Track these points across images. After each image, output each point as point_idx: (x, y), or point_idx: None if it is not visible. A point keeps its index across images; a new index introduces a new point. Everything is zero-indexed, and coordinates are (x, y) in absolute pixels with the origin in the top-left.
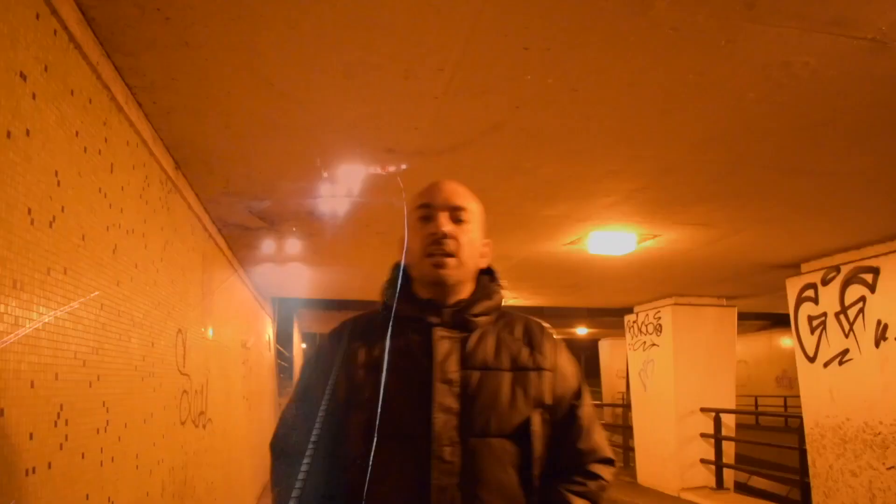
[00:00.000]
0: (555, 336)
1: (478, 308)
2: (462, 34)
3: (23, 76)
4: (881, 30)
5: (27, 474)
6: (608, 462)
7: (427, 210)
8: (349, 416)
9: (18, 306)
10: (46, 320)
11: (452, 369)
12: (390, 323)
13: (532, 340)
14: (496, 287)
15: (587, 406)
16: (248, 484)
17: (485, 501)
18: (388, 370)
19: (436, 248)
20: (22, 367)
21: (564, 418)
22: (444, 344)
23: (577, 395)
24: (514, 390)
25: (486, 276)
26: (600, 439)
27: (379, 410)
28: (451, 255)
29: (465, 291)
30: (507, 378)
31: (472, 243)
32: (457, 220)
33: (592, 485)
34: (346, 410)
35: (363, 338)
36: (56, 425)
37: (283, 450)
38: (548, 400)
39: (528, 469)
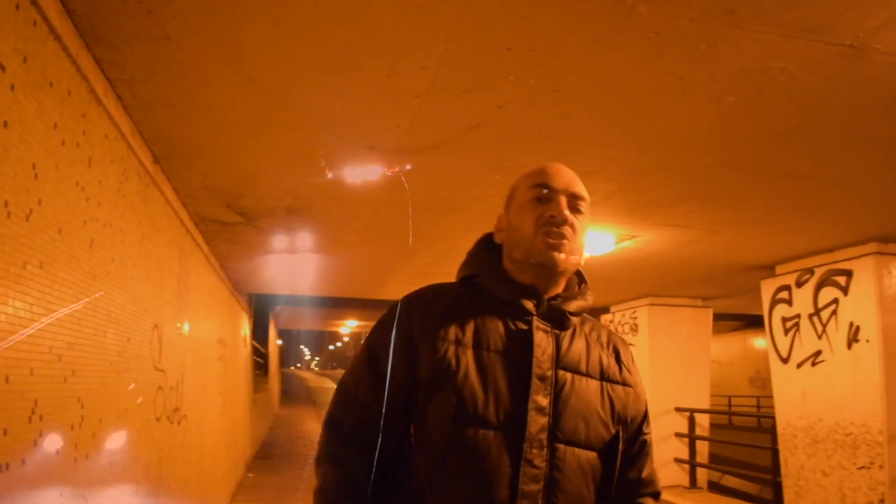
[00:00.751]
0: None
1: (574, 305)
2: (446, 33)
3: (1, 67)
4: (858, 37)
5: (1, 471)
6: (658, 496)
7: (545, 191)
8: (434, 398)
9: None
10: (22, 315)
11: (547, 367)
12: (477, 302)
13: (618, 352)
14: (586, 289)
15: (650, 432)
16: (222, 481)
17: None
18: (482, 354)
19: (552, 229)
20: None
21: (632, 442)
22: (543, 337)
23: (646, 419)
24: (603, 402)
25: (576, 277)
26: (655, 471)
27: (470, 396)
28: (566, 239)
29: (561, 287)
30: (596, 387)
31: (582, 239)
32: (575, 209)
33: None
34: (430, 391)
35: (449, 312)
36: (30, 421)
37: (340, 429)
38: (628, 419)
39: (606, 488)
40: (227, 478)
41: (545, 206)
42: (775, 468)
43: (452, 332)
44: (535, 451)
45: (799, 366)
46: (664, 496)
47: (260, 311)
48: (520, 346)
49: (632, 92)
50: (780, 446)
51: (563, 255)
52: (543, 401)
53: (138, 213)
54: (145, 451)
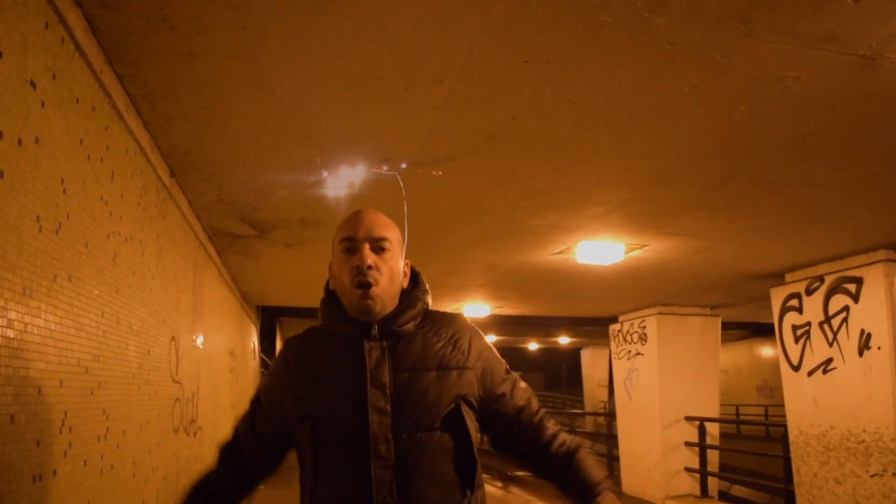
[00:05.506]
0: (471, 326)
1: (402, 319)
2: (464, 46)
3: (33, 84)
4: (871, 46)
5: (34, 481)
6: (579, 445)
7: (351, 243)
8: (299, 426)
9: (27, 313)
10: (53, 328)
11: (384, 375)
12: (327, 341)
13: (455, 339)
14: (419, 294)
15: (524, 391)
16: None
17: (418, 488)
18: (326, 383)
19: (361, 278)
20: (30, 374)
21: (508, 404)
22: (374, 354)
23: (507, 382)
24: (438, 388)
25: (411, 285)
26: (550, 421)
27: (323, 417)
28: (374, 284)
29: (391, 306)
30: (432, 377)
31: (393, 270)
32: (379, 250)
33: (574, 440)
34: (297, 421)
35: (304, 355)
36: (61, 432)
37: (224, 448)
38: (471, 393)
39: (465, 455)
40: None
41: (353, 257)
42: (787, 477)
43: (308, 371)
44: (381, 445)
45: (810, 373)
46: None
47: (267, 322)
48: (358, 366)
49: (646, 102)
50: (793, 454)
51: (373, 301)
52: (382, 403)
53: (156, 226)
54: (164, 462)
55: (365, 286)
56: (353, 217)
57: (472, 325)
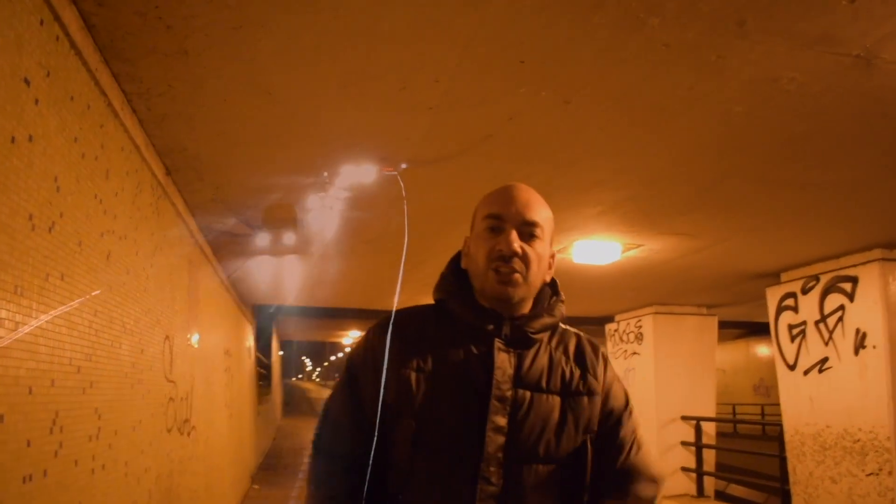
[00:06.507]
0: (601, 348)
1: (538, 324)
2: (459, 46)
3: (27, 82)
4: (866, 47)
5: (24, 482)
6: (652, 480)
7: (497, 221)
8: (397, 421)
9: (19, 312)
10: (45, 326)
11: (507, 387)
12: (443, 326)
13: (585, 362)
14: (557, 302)
15: (632, 424)
16: (229, 493)
17: None
18: (443, 378)
19: (502, 264)
20: (21, 374)
21: (609, 436)
22: (503, 358)
23: (624, 413)
24: (564, 416)
25: (548, 289)
26: (644, 457)
27: (429, 420)
28: (518, 272)
29: (527, 305)
30: (557, 403)
31: (540, 259)
32: (528, 236)
33: (630, 501)
34: (395, 415)
35: (416, 337)
36: (52, 432)
37: (327, 450)
38: (596, 425)
39: (575, 498)
40: (234, 489)
41: (497, 238)
42: (783, 476)
43: (416, 358)
44: (492, 468)
45: (806, 373)
46: None
47: (263, 321)
48: (481, 368)
49: (641, 103)
50: (788, 454)
51: (514, 290)
52: (502, 420)
53: (151, 225)
54: (157, 462)
55: (507, 271)
56: (504, 192)
57: (601, 346)
